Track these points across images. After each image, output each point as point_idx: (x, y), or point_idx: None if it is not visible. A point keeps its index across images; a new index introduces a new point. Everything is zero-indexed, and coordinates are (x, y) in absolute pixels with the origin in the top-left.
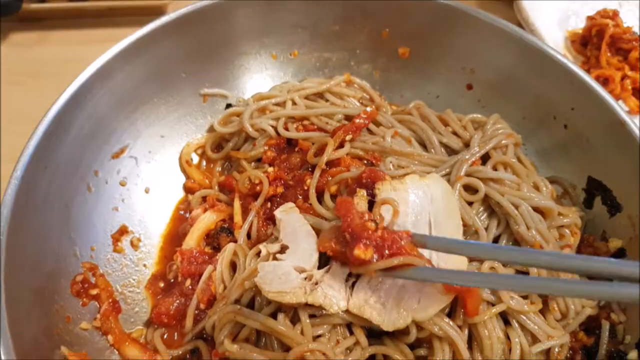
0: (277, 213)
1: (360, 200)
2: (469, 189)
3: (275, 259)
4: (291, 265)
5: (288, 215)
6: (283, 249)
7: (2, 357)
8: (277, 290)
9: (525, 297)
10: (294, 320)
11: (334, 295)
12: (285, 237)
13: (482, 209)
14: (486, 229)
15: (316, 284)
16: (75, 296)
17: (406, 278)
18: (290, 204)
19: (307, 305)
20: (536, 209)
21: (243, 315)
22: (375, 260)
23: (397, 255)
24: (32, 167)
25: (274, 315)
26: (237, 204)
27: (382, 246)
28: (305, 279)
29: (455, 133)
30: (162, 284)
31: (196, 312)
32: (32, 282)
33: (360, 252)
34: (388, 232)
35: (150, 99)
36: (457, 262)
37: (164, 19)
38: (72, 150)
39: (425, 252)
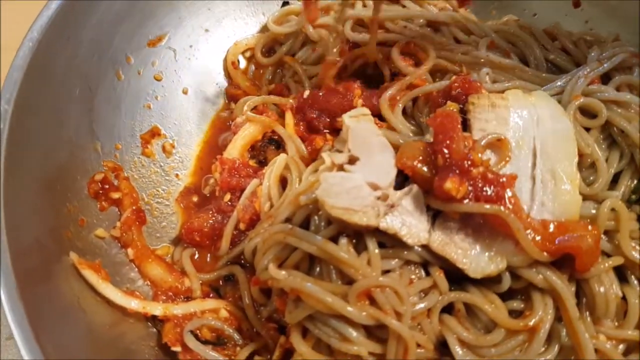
0: (346, 118)
1: None
2: (585, 113)
3: (341, 170)
4: (363, 179)
5: (359, 122)
6: (352, 160)
7: None
8: (344, 206)
9: None
10: (359, 248)
11: (413, 224)
12: (354, 147)
13: (601, 137)
14: (606, 161)
15: (392, 206)
16: (92, 197)
17: None
18: (364, 109)
19: (376, 231)
20: None
21: (295, 236)
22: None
23: (493, 203)
24: (51, 32)
25: (333, 240)
26: (289, 114)
27: (481, 187)
28: (379, 198)
29: (564, 50)
30: (195, 199)
31: (234, 232)
32: (40, 169)
33: (453, 185)
34: (492, 172)
35: None
36: (567, 202)
37: None
38: (101, 25)
39: (528, 185)
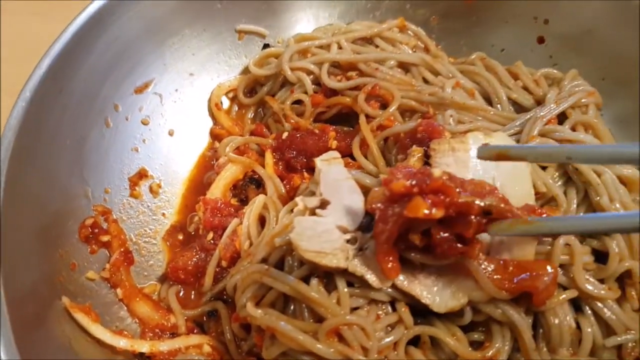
0: (318, 161)
1: (416, 162)
2: None
3: (313, 214)
4: (333, 222)
5: (330, 165)
6: (323, 205)
7: None
8: (315, 249)
9: (602, 281)
10: (329, 287)
11: (379, 267)
12: (325, 190)
13: (557, 175)
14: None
15: (361, 249)
16: (83, 242)
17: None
18: (334, 153)
19: (345, 271)
20: (620, 179)
21: (270, 276)
22: None
23: None
24: (44, 88)
25: (305, 280)
26: (268, 154)
27: None
28: (348, 241)
29: (526, 88)
30: (181, 237)
31: (217, 269)
32: (35, 220)
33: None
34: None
35: (181, 30)
36: (524, 240)
37: None
38: (91, 76)
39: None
